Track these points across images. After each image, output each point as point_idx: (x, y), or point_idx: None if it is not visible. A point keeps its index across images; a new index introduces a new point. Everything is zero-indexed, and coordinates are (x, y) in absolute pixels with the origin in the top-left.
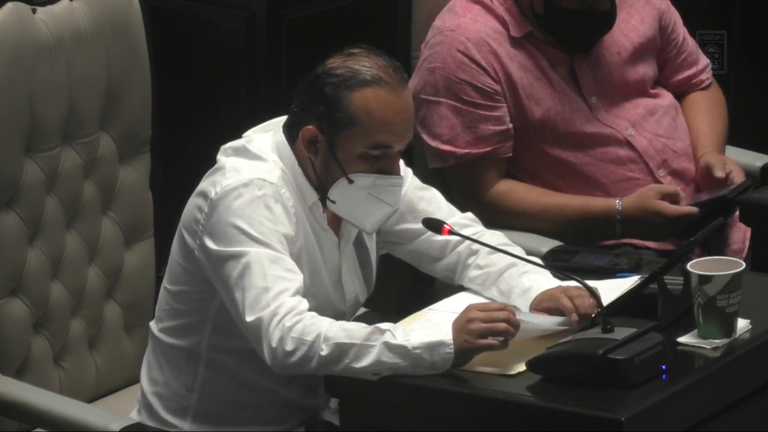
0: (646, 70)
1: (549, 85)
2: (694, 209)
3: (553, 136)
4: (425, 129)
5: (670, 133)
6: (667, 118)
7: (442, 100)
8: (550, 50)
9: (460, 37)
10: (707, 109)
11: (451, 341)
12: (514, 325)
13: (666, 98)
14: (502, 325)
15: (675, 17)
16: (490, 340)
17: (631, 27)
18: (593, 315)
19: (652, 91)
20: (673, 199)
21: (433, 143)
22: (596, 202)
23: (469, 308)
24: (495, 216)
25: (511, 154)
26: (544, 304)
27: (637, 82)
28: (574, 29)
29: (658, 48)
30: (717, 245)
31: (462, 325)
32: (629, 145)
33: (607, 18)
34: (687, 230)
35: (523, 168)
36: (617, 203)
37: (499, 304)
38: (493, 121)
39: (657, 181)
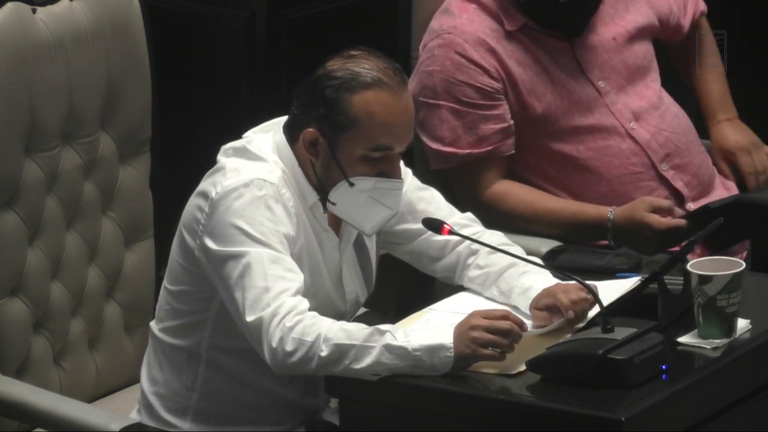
0: (644, 50)
1: (549, 80)
2: (682, 222)
3: (555, 131)
4: (426, 131)
5: (674, 127)
6: (670, 113)
7: (442, 102)
8: (549, 41)
9: (458, 39)
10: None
11: (452, 345)
12: (516, 338)
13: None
14: (505, 341)
15: (676, 7)
16: (490, 351)
17: (623, 16)
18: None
19: (656, 76)
20: (665, 213)
21: (435, 146)
22: (590, 210)
23: (473, 314)
24: (492, 217)
25: (513, 152)
26: (543, 301)
27: (638, 64)
28: (560, 13)
29: (657, 31)
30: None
31: (464, 331)
32: (631, 138)
33: None
34: (682, 239)
35: (525, 164)
36: (610, 213)
37: (503, 312)
38: (493, 120)
39: (660, 175)
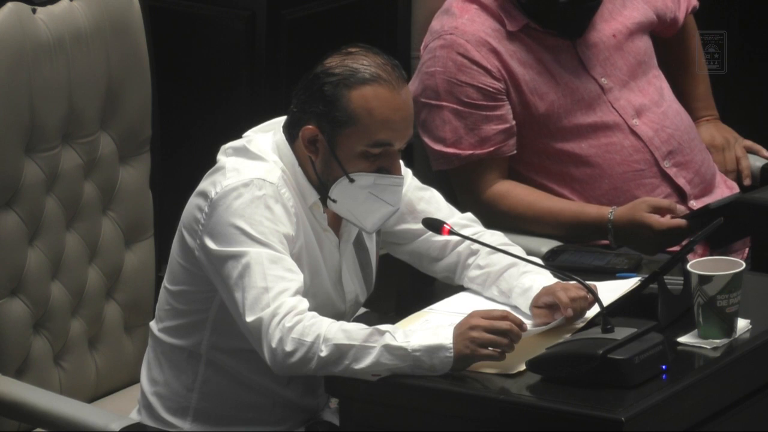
0: (644, 46)
1: (552, 78)
2: (682, 222)
3: (558, 129)
4: (427, 132)
5: (677, 124)
6: (672, 110)
7: (444, 103)
8: (551, 39)
9: (459, 40)
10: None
11: (451, 345)
12: (516, 338)
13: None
14: (504, 340)
15: (672, 7)
16: (490, 351)
17: (620, 12)
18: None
19: (657, 72)
20: (665, 212)
21: (437, 147)
22: (590, 211)
23: (472, 315)
24: (492, 217)
25: (514, 152)
26: (542, 299)
27: (639, 60)
28: (560, 14)
29: (654, 26)
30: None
31: (463, 331)
32: (634, 134)
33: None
34: (682, 239)
35: (528, 163)
36: (610, 213)
37: (502, 312)
38: (495, 121)
39: (662, 172)
